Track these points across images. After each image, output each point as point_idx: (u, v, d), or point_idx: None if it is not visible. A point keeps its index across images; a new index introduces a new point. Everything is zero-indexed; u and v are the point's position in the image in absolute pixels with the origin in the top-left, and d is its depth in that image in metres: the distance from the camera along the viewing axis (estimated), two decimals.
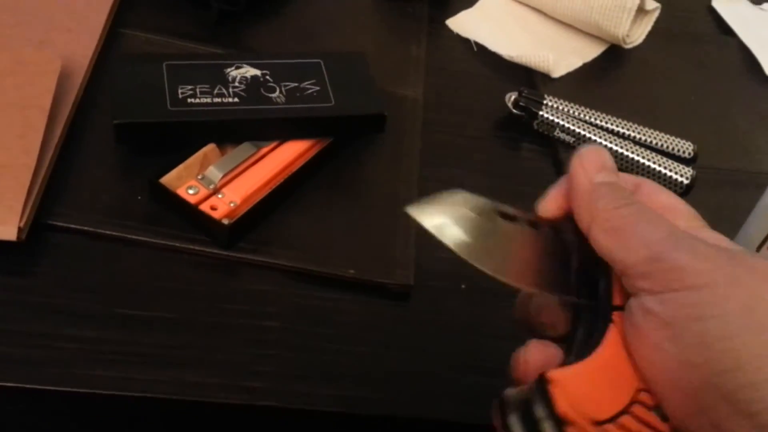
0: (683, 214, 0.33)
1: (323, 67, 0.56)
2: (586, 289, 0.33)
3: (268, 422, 0.44)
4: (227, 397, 0.42)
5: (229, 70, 0.54)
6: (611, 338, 0.31)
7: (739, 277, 0.28)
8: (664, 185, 0.60)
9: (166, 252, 0.47)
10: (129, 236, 0.47)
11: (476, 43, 0.70)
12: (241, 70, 0.54)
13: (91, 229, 0.47)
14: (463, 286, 0.50)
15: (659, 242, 0.29)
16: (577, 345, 0.32)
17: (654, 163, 0.60)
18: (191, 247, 0.48)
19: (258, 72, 0.54)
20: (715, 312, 0.27)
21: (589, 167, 0.33)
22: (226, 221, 0.47)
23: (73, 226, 0.47)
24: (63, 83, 0.51)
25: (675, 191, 0.60)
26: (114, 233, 0.47)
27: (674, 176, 0.60)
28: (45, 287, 0.44)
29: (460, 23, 0.72)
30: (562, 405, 0.29)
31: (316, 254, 0.49)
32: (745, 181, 0.64)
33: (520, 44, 0.71)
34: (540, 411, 0.29)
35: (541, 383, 0.29)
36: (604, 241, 0.31)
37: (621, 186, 0.33)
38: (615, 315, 0.31)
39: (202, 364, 0.43)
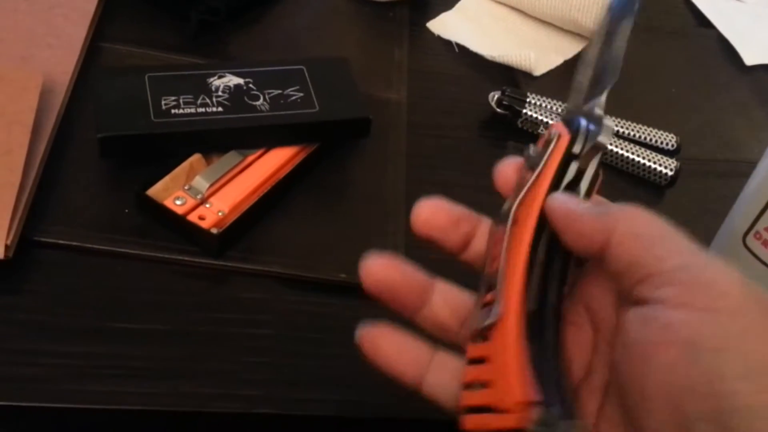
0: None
1: (306, 73, 0.56)
2: None
3: (264, 430, 0.44)
4: (223, 407, 0.42)
5: (211, 79, 0.54)
6: None
7: (764, 307, 0.27)
8: (649, 177, 0.61)
9: (156, 264, 0.47)
10: (117, 249, 0.47)
11: (457, 45, 0.70)
12: (224, 80, 0.54)
13: (78, 243, 0.47)
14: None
15: (689, 253, 0.28)
16: None
17: (638, 156, 0.61)
18: (181, 258, 0.48)
19: (241, 80, 0.54)
20: (740, 346, 0.26)
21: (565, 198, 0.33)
22: (214, 231, 0.47)
23: (60, 241, 0.47)
24: (45, 99, 0.51)
25: (659, 183, 0.61)
26: (102, 247, 0.47)
27: (658, 168, 0.60)
28: (34, 304, 0.44)
29: (441, 25, 0.72)
30: None
31: (306, 260, 0.49)
32: (728, 170, 0.64)
33: (501, 44, 0.71)
34: None
35: None
36: (628, 244, 0.29)
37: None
38: None
39: (196, 374, 0.43)
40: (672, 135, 0.64)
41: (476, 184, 0.59)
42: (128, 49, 0.60)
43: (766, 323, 0.26)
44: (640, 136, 0.63)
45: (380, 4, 0.72)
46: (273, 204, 0.51)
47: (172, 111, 0.51)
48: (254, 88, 0.54)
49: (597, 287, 0.33)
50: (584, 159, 0.33)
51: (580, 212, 0.31)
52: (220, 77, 0.54)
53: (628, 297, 0.30)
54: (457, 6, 0.75)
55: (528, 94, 0.63)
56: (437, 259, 0.52)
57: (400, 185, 0.55)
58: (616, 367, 0.30)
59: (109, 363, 0.42)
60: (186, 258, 0.47)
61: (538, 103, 0.63)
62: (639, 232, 0.30)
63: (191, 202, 0.48)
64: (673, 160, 0.61)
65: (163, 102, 0.51)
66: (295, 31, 0.67)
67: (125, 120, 0.50)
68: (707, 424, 0.26)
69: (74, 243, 0.47)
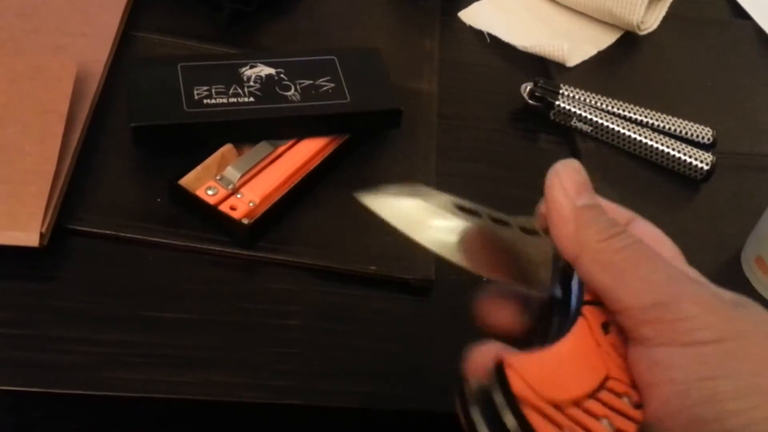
0: (668, 251, 0.31)
1: (338, 63, 0.56)
2: (561, 286, 0.32)
3: (292, 420, 0.45)
4: (252, 396, 0.42)
5: (243, 69, 0.54)
6: (579, 330, 0.29)
7: (744, 332, 0.27)
8: (684, 171, 0.60)
9: (188, 253, 0.48)
10: (150, 238, 0.47)
11: (489, 35, 0.70)
12: (256, 69, 0.54)
13: (112, 232, 0.47)
14: (484, 279, 0.50)
15: (662, 287, 0.28)
16: (549, 338, 0.31)
17: (673, 149, 0.60)
18: (212, 247, 0.48)
19: (272, 70, 0.54)
20: (726, 371, 0.26)
21: (570, 187, 0.30)
22: (245, 221, 0.47)
23: (94, 230, 0.47)
24: (79, 88, 0.52)
25: (695, 177, 0.60)
26: (135, 236, 0.47)
27: (694, 162, 0.59)
28: (68, 292, 0.45)
29: (473, 15, 0.72)
30: (518, 385, 0.28)
31: (336, 251, 0.49)
32: (765, 164, 0.63)
33: (534, 34, 0.70)
34: (499, 397, 0.28)
35: (499, 369, 0.28)
36: (598, 276, 0.29)
37: (605, 211, 0.30)
38: (585, 309, 0.30)
39: (226, 363, 0.43)
40: (708, 128, 0.63)
41: (507, 176, 0.58)
42: (161, 39, 0.61)
43: (751, 346, 0.27)
44: (675, 129, 0.62)
45: None
46: (304, 195, 0.51)
47: (204, 101, 0.51)
48: (286, 78, 0.54)
49: None
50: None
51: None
52: (251, 67, 0.54)
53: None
54: None
55: (561, 85, 0.63)
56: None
57: (430, 177, 0.55)
58: None
59: (140, 351, 0.43)
60: (217, 248, 0.48)
61: (571, 94, 0.62)
62: (603, 260, 0.29)
63: (223, 192, 0.48)
64: (709, 154, 0.60)
65: (195, 92, 0.52)
66: (327, 21, 0.67)
67: (158, 109, 0.51)
68: None
69: (107, 231, 0.47)
